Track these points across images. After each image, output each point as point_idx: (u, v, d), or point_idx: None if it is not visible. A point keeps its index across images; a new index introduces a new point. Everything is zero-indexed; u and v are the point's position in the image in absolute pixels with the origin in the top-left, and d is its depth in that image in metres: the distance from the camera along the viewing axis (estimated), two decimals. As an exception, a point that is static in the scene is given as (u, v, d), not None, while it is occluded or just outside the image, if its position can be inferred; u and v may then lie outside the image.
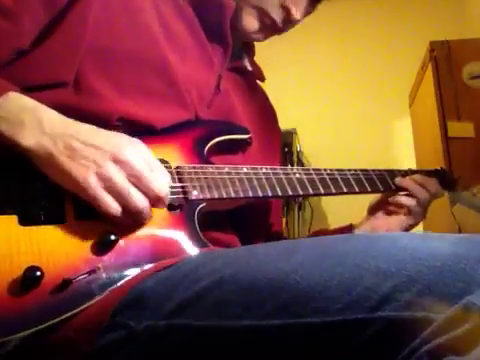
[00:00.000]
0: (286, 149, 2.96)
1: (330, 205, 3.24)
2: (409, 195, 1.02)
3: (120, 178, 0.68)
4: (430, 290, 0.49)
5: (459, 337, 0.44)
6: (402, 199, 1.02)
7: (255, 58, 1.14)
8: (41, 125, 0.68)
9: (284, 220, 2.99)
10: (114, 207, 0.68)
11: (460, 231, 1.57)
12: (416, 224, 1.04)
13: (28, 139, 0.67)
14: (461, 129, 1.95)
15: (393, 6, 3.50)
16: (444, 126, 1.99)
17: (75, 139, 0.68)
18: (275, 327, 0.55)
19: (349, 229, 1.05)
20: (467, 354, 0.43)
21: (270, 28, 1.01)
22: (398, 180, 1.02)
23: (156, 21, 0.88)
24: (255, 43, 1.12)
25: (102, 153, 0.68)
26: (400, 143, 3.21)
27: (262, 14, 0.98)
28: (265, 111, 1.13)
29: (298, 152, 3.07)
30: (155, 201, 0.71)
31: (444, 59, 2.07)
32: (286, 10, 0.98)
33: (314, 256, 0.59)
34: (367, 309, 0.50)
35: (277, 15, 0.99)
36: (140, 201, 0.69)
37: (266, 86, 1.16)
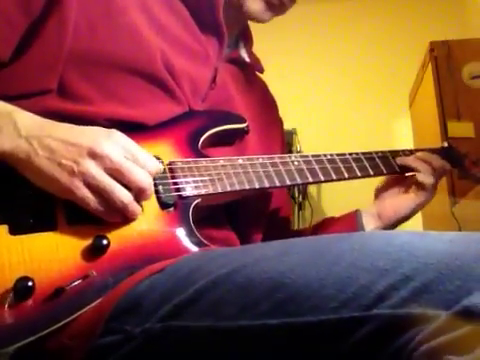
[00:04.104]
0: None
1: (330, 205, 3.24)
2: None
3: (99, 174, 0.67)
4: (426, 288, 0.49)
5: (459, 338, 0.44)
6: (419, 177, 0.99)
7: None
8: (17, 128, 0.67)
9: (284, 220, 2.99)
10: (98, 205, 0.67)
11: (460, 231, 1.57)
12: (426, 203, 1.01)
13: (5, 144, 0.66)
14: (461, 129, 1.95)
15: (393, 6, 3.50)
16: (444, 126, 1.99)
17: (51, 138, 0.67)
18: (271, 327, 0.54)
19: (354, 214, 1.03)
20: (466, 355, 0.43)
21: (275, 7, 0.98)
22: (400, 160, 1.00)
23: (144, 19, 0.86)
24: (254, 43, 1.12)
25: (79, 149, 0.67)
26: (400, 143, 3.20)
27: None
28: (264, 102, 1.11)
29: (298, 152, 3.07)
30: (139, 193, 0.70)
31: (444, 59, 2.07)
32: None
33: (310, 255, 0.59)
34: (363, 307, 0.50)
35: None
36: (123, 196, 0.68)
37: (266, 86, 1.16)
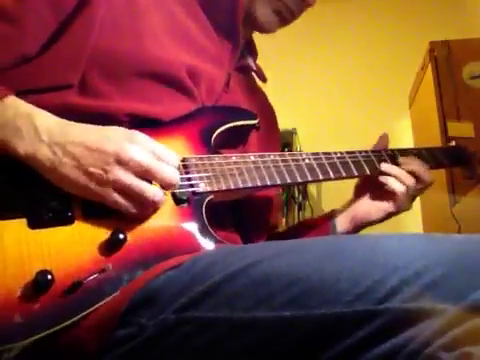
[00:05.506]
0: (286, 149, 2.96)
1: (330, 205, 3.23)
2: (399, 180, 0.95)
3: (129, 179, 0.68)
4: (437, 283, 0.52)
5: (474, 329, 0.46)
6: (389, 181, 0.95)
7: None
8: (37, 132, 0.68)
9: (284, 220, 3.00)
10: (130, 207, 0.69)
11: (460, 231, 1.57)
12: (397, 213, 0.98)
13: (25, 147, 0.67)
14: (461, 129, 1.95)
15: (393, 6, 3.50)
16: (444, 126, 1.99)
17: (74, 145, 0.68)
18: (285, 319, 0.56)
19: (329, 216, 1.04)
20: None
21: (284, 17, 1.00)
22: (384, 166, 0.96)
23: (163, 21, 0.88)
24: (256, 43, 1.12)
25: (106, 156, 0.68)
26: (400, 143, 3.19)
27: (277, 3, 0.98)
28: (266, 111, 1.13)
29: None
30: (167, 188, 0.72)
31: (444, 59, 2.06)
32: None
33: (325, 252, 0.61)
34: (376, 301, 0.53)
35: (293, 3, 0.98)
36: (155, 194, 0.70)
37: (267, 86, 1.16)
